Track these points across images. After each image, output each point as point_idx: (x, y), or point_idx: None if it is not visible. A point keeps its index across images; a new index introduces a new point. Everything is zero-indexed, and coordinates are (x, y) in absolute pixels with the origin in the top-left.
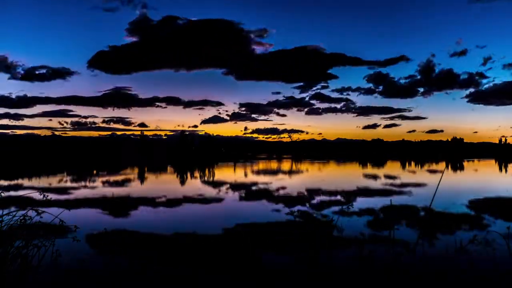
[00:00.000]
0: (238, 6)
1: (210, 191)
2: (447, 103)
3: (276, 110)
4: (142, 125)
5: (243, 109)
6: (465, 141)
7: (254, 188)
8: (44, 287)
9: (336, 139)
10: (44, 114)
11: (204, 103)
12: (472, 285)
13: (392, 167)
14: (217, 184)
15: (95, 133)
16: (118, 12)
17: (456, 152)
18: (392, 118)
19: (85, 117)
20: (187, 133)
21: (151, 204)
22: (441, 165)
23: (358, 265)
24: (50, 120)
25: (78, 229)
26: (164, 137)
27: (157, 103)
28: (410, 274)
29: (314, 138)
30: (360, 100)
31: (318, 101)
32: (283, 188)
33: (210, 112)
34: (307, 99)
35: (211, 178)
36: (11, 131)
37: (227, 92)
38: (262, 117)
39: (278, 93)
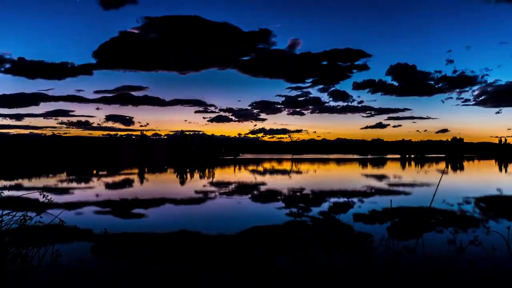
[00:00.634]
0: (236, 6)
1: (209, 191)
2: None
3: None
4: (143, 125)
5: (246, 108)
6: (465, 141)
7: (253, 188)
8: (44, 287)
9: (336, 139)
10: (45, 114)
11: (205, 103)
12: (472, 285)
13: (392, 167)
14: (216, 184)
15: (97, 133)
16: (122, 9)
17: (457, 151)
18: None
19: (85, 117)
20: (187, 133)
21: (150, 204)
22: (441, 165)
23: (358, 265)
24: (50, 119)
25: (78, 229)
26: (164, 137)
27: (159, 103)
28: (410, 274)
29: (313, 138)
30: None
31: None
32: (283, 188)
33: (211, 112)
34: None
35: (211, 178)
36: (10, 131)
37: (227, 92)
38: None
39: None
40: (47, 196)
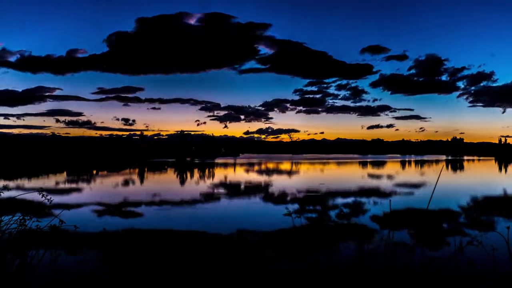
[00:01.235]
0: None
1: (208, 191)
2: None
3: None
4: (143, 125)
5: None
6: (465, 141)
7: (251, 188)
8: (44, 287)
9: (336, 139)
10: (45, 114)
11: (207, 103)
12: (472, 285)
13: (392, 167)
14: (215, 184)
15: (95, 133)
16: (124, 9)
17: (456, 151)
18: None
19: (85, 116)
20: (186, 133)
21: (150, 204)
22: (440, 165)
23: (358, 265)
24: (49, 118)
25: (77, 229)
26: (164, 137)
27: (160, 103)
28: (409, 274)
29: (313, 138)
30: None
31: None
32: (282, 188)
33: (212, 112)
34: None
35: (211, 178)
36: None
37: (227, 92)
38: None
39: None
40: (47, 196)
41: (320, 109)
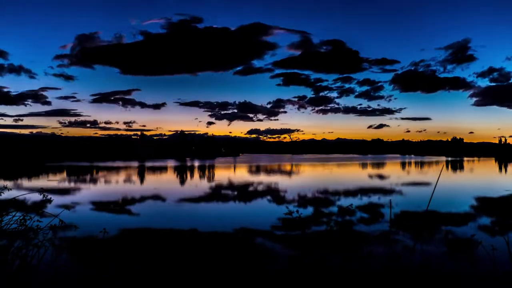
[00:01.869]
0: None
1: (208, 191)
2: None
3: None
4: (144, 125)
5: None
6: (465, 141)
7: (250, 187)
8: (44, 287)
9: (336, 139)
10: (45, 114)
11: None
12: (472, 285)
13: (392, 167)
14: (215, 184)
15: (93, 132)
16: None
17: (456, 151)
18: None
19: (85, 116)
20: (186, 132)
21: (150, 204)
22: (441, 165)
23: (357, 265)
24: (50, 118)
25: (77, 229)
26: (164, 137)
27: (161, 104)
28: (409, 274)
29: (313, 138)
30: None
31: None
32: (281, 188)
33: (213, 113)
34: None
35: (210, 178)
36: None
37: (228, 92)
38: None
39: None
40: (47, 196)
41: (320, 109)
